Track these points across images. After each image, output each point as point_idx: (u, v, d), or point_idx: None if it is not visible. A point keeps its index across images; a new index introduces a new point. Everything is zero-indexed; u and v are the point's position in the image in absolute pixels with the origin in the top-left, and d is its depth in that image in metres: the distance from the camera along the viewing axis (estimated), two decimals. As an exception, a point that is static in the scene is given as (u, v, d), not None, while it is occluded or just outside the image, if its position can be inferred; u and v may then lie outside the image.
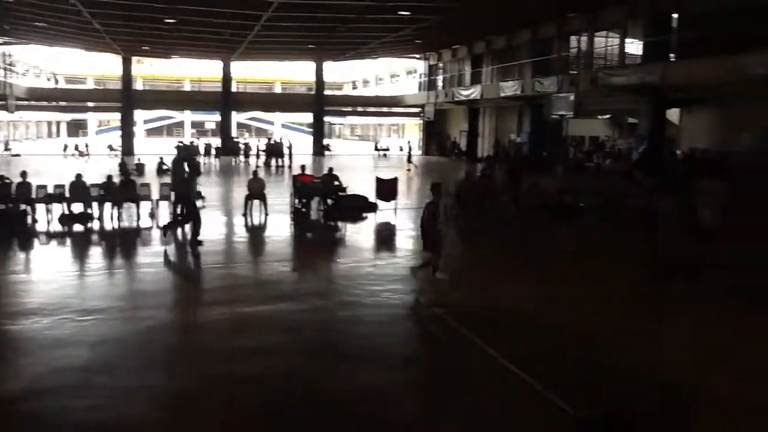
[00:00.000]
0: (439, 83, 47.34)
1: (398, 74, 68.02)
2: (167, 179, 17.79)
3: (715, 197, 13.23)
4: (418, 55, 50.05)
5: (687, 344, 7.55)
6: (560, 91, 29.08)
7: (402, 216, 17.28)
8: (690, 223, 13.85)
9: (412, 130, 62.54)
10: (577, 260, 12.56)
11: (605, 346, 7.35)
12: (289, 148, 37.36)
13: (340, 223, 16.03)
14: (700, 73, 21.65)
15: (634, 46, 28.05)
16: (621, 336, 7.76)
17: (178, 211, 13.45)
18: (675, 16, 25.53)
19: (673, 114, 28.84)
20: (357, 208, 17.26)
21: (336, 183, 17.70)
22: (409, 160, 34.37)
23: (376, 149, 51.05)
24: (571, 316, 8.49)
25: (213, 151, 39.73)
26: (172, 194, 13.92)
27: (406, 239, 14.44)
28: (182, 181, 12.82)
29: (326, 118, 53.22)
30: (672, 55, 24.98)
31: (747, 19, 21.40)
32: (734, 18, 22.16)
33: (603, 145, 32.77)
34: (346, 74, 75.64)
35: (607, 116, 33.51)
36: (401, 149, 45.53)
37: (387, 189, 17.95)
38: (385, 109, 56.68)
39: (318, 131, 50.19)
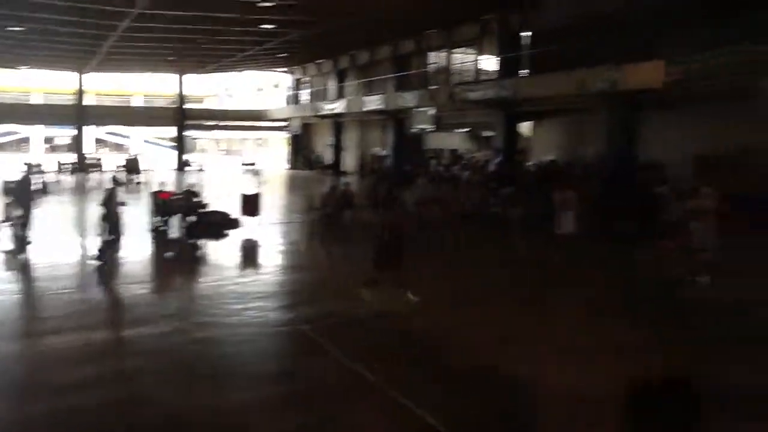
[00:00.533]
0: (305, 97, 47.38)
1: (264, 88, 67.35)
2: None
3: (569, 207, 13.90)
4: (284, 69, 49.85)
5: (529, 341, 7.96)
6: (421, 106, 29.94)
7: (266, 232, 17.09)
8: (548, 230, 14.60)
9: (279, 145, 62.08)
10: (439, 267, 12.95)
11: (460, 349, 7.62)
12: (145, 164, 35.97)
13: (201, 241, 15.58)
14: (548, 88, 23.10)
15: (491, 62, 29.41)
16: (475, 339, 8.06)
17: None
18: (526, 33, 27.10)
19: (526, 127, 30.50)
20: (219, 224, 16.84)
21: (196, 199, 17.21)
22: (257, 174, 33.72)
23: (243, 164, 50.19)
24: (431, 321, 8.73)
25: (66, 168, 37.54)
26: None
27: (270, 255, 14.31)
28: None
29: (190, 132, 51.68)
30: (524, 70, 26.47)
31: (590, 36, 23.08)
32: (579, 35, 23.82)
33: (461, 157, 34.02)
34: (211, 87, 73.90)
35: (466, 130, 34.86)
36: (256, 165, 44.73)
37: (250, 204, 17.69)
38: (250, 123, 55.85)
39: (180, 146, 48.66)
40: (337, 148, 43.79)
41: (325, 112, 41.28)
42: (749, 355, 7.72)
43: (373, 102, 34.62)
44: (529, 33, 26.73)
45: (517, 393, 6.45)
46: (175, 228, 16.40)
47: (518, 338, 8.23)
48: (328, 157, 44.97)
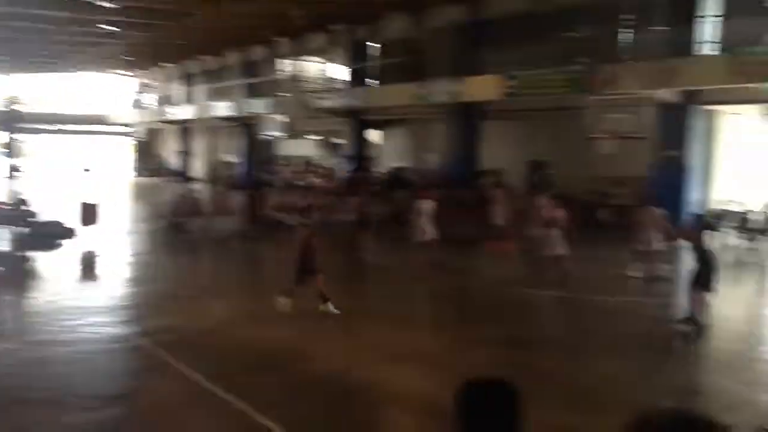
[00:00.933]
0: (152, 102, 45.61)
1: (107, 91, 63.85)
2: None
3: (425, 213, 14.12)
4: (129, 73, 47.66)
5: (372, 348, 8.26)
6: (272, 113, 29.85)
7: (108, 242, 16.33)
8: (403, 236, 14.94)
9: (124, 151, 59.16)
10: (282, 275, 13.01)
11: (298, 358, 7.76)
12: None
13: (34, 253, 14.60)
14: (395, 98, 23.90)
15: (342, 71, 29.83)
16: (310, 347, 8.22)
17: None
18: (374, 44, 27.82)
19: (376, 134, 31.25)
20: (53, 235, 15.90)
21: (27, 209, 16.13)
22: (98, 181, 32.13)
23: (84, 170, 47.33)
24: (270, 332, 8.79)
25: None
26: None
27: (112, 267, 13.70)
28: None
29: (23, 137, 48.00)
30: (372, 80, 27.17)
31: (433, 49, 24.16)
32: (422, 49, 24.84)
33: (313, 164, 34.24)
34: (49, 88, 69.00)
35: (317, 137, 35.14)
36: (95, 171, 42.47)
37: (89, 213, 16.83)
38: (92, 128, 52.82)
39: (11, 152, 45.07)
40: (186, 155, 42.61)
41: (172, 118, 40.01)
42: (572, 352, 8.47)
43: (223, 108, 34.06)
44: (377, 44, 27.50)
45: (353, 397, 6.67)
46: (4, 240, 15.31)
47: (365, 347, 8.49)
48: (176, 163, 43.61)
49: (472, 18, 22.28)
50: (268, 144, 33.10)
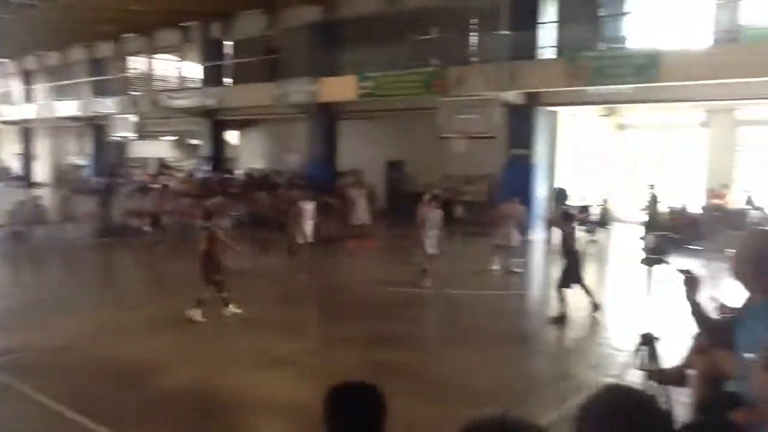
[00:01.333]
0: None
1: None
2: None
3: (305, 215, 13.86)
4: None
5: (239, 355, 8.15)
6: (122, 113, 28.46)
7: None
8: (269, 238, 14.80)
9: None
10: (139, 286, 12.55)
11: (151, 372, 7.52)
12: None
13: None
14: (251, 98, 23.57)
15: (196, 69, 28.98)
16: (173, 359, 8.00)
17: None
18: (228, 42, 27.27)
19: (233, 135, 30.69)
20: None
21: None
22: None
23: None
24: (130, 346, 8.46)
25: None
26: None
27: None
28: None
29: None
30: (228, 79, 26.62)
31: (290, 48, 24.07)
32: (279, 47, 24.67)
33: (168, 166, 33.08)
34: None
35: (172, 138, 33.97)
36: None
37: None
38: None
39: None
40: (27, 158, 39.74)
41: (10, 118, 37.16)
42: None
43: (68, 107, 32.06)
44: (232, 43, 27.01)
45: (218, 408, 6.57)
46: None
47: (233, 354, 8.35)
48: (16, 167, 40.58)
49: (327, 18, 22.42)
50: (119, 146, 31.56)
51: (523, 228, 14.17)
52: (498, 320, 10.34)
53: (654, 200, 17.32)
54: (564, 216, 10.76)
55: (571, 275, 9.72)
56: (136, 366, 7.67)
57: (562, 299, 9.68)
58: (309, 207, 13.72)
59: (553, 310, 9.91)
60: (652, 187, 17.51)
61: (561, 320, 9.58)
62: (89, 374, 7.44)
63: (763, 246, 2.96)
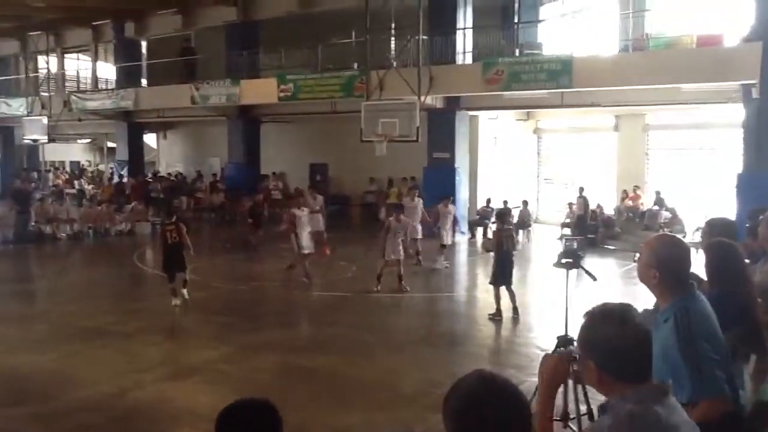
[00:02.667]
0: None
1: None
2: None
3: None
4: None
5: (152, 366, 7.92)
6: (31, 114, 27.19)
7: None
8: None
9: None
10: (47, 294, 12.06)
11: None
12: None
13: None
14: (169, 99, 22.98)
15: (111, 70, 27.97)
16: (80, 371, 7.69)
17: None
18: (144, 43, 26.52)
19: (152, 137, 29.86)
20: None
21: None
22: None
23: None
24: (29, 357, 8.09)
25: None
26: None
27: None
28: None
29: None
30: (145, 81, 25.89)
31: (209, 50, 23.65)
32: (197, 48, 24.17)
33: (84, 169, 31.94)
34: None
35: (87, 140, 32.78)
36: None
37: None
38: None
39: None
40: None
41: None
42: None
43: (-31, 109, 30.32)
44: (147, 43, 26.34)
45: (128, 421, 6.38)
46: None
47: (146, 365, 8.09)
48: None
49: (244, 19, 22.12)
50: (31, 149, 30.16)
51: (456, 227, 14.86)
52: (427, 321, 10.46)
53: (585, 203, 17.99)
54: (500, 215, 11.06)
55: (504, 274, 9.96)
56: (37, 379, 7.33)
57: (497, 297, 9.92)
58: (303, 214, 12.82)
59: (488, 308, 10.09)
60: (582, 190, 18.18)
61: (498, 316, 9.86)
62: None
63: (666, 251, 2.92)
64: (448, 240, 14.31)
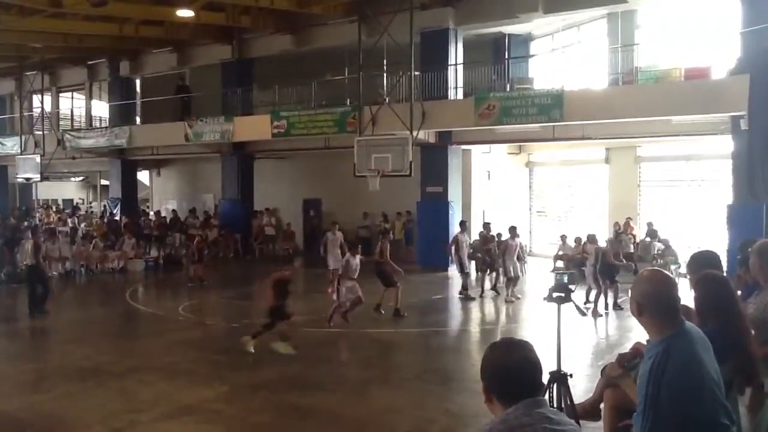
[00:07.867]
0: None
1: None
2: None
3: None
4: None
5: (149, 405, 7.83)
6: (25, 153, 27.26)
7: None
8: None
9: None
10: (39, 334, 11.93)
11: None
12: None
13: None
14: (163, 137, 23.10)
15: (105, 108, 28.12)
16: (72, 412, 7.61)
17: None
18: (138, 81, 26.72)
19: (145, 175, 29.91)
20: None
21: None
22: None
23: None
24: (22, 398, 7.99)
25: None
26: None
27: None
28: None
29: None
30: (139, 118, 26.04)
31: (203, 87, 23.86)
32: (192, 86, 24.39)
33: (77, 207, 31.87)
34: None
35: (80, 178, 32.81)
36: None
37: None
38: None
39: None
40: None
41: None
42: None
43: (-35, 148, 30.39)
44: (141, 81, 26.56)
45: None
46: None
47: (141, 405, 8.00)
48: None
49: (239, 57, 22.37)
50: (23, 187, 30.16)
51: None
52: (422, 358, 10.38)
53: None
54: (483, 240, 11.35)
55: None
56: (29, 420, 7.23)
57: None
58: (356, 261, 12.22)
59: (484, 342, 10.05)
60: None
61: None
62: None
63: (652, 287, 2.98)
64: (516, 273, 14.64)
